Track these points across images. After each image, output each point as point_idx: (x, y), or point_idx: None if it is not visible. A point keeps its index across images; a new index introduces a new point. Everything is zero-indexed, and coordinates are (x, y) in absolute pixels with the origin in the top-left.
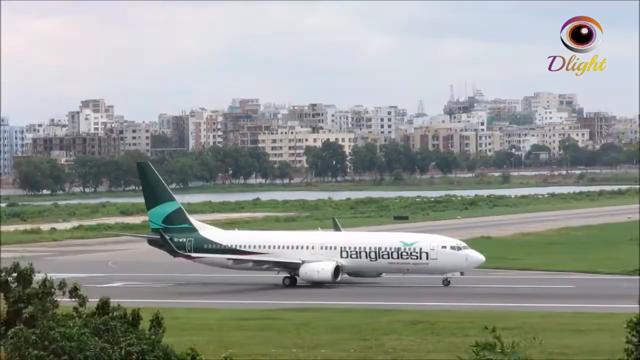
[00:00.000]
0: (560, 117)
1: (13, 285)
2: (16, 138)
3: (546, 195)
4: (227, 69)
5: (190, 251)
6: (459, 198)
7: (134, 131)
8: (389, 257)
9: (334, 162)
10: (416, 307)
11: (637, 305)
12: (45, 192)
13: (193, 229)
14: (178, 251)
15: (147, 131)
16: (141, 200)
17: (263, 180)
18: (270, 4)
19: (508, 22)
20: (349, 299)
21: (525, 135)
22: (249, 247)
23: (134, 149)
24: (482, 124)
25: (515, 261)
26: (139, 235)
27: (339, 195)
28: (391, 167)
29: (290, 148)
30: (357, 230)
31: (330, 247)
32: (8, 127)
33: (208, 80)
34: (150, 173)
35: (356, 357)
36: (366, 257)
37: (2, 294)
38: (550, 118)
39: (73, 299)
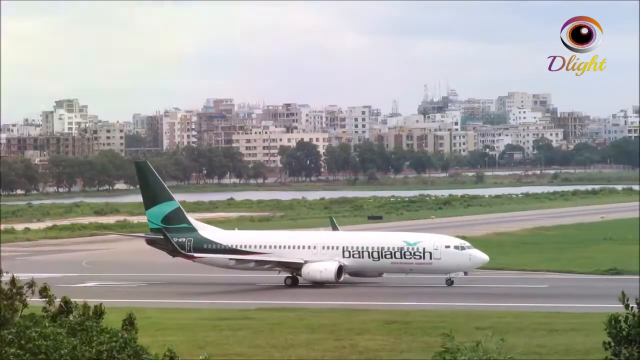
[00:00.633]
0: (534, 117)
1: None
2: None
3: (520, 195)
4: (201, 69)
5: (190, 251)
6: (433, 198)
7: (108, 131)
8: (392, 257)
9: (308, 162)
10: (391, 307)
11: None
12: (19, 192)
13: (192, 229)
14: (182, 251)
15: (121, 131)
16: (115, 199)
17: (237, 180)
18: (245, 4)
19: (482, 22)
20: (325, 299)
21: (499, 135)
22: (250, 247)
23: (108, 149)
24: (456, 123)
25: (490, 261)
26: (138, 235)
27: (313, 195)
28: (365, 167)
29: (264, 148)
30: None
31: (332, 247)
32: None
33: (182, 80)
34: (149, 173)
35: (330, 357)
36: (369, 257)
37: None
38: (524, 118)
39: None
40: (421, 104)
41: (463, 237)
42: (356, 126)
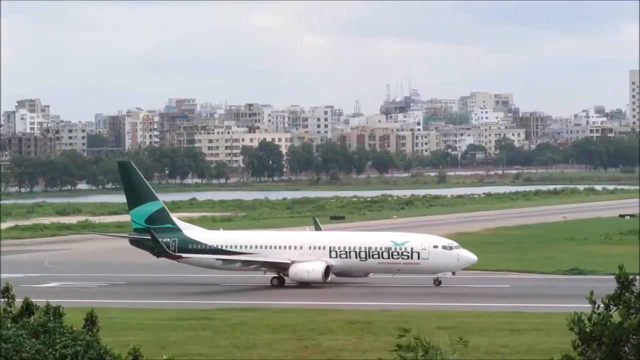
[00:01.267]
0: (496, 117)
1: None
2: None
3: (482, 195)
4: (163, 69)
5: (174, 251)
6: (396, 198)
7: (70, 131)
8: (379, 257)
9: (271, 162)
10: (353, 306)
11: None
12: None
13: (177, 229)
14: (169, 251)
15: (83, 131)
16: (77, 200)
17: (199, 180)
18: (206, 4)
19: (444, 23)
20: (287, 299)
21: (462, 135)
22: (236, 247)
23: (70, 149)
24: (419, 123)
25: None
26: (122, 235)
27: (276, 195)
28: (328, 167)
29: (226, 148)
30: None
31: (319, 247)
32: None
33: (145, 80)
34: (133, 173)
35: (292, 357)
36: (356, 257)
37: None
38: (486, 118)
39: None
40: (383, 104)
41: None
42: (318, 126)
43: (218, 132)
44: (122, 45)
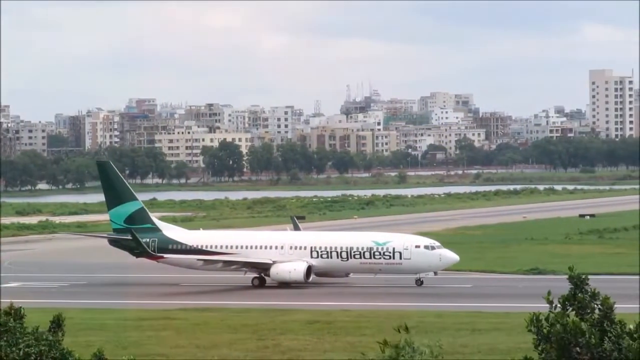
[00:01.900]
0: (457, 117)
1: None
2: None
3: (442, 195)
4: (123, 69)
5: (154, 251)
6: (356, 198)
7: (30, 131)
8: (361, 257)
9: (231, 162)
10: (313, 306)
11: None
12: None
13: (156, 229)
14: (150, 252)
15: (43, 131)
16: (37, 200)
17: (160, 180)
18: (165, 3)
19: (404, 23)
20: (248, 299)
21: (422, 135)
22: (217, 247)
23: (30, 149)
24: (379, 123)
25: None
26: (100, 236)
27: (236, 195)
28: (288, 167)
29: (187, 148)
30: (254, 230)
31: (300, 247)
32: None
33: (105, 80)
34: (112, 172)
35: (253, 357)
36: (337, 257)
37: None
38: (447, 118)
39: None
40: (344, 104)
41: None
42: (279, 126)
43: (178, 132)
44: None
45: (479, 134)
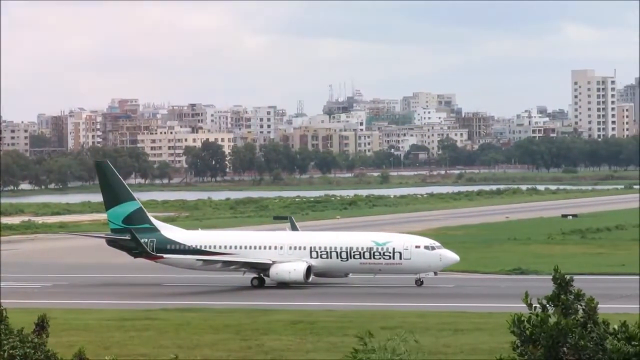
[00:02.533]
0: (439, 117)
1: None
2: None
3: (425, 195)
4: (106, 69)
5: (152, 252)
6: (339, 198)
7: (12, 131)
8: (360, 257)
9: (214, 162)
10: (296, 307)
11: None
12: None
13: (154, 229)
14: (150, 252)
15: (25, 131)
16: (19, 200)
17: (142, 181)
18: (148, 4)
19: (386, 23)
20: (230, 299)
21: (404, 135)
22: (216, 247)
23: (13, 149)
24: (361, 124)
25: None
26: (98, 236)
27: (219, 195)
28: (270, 167)
29: (169, 148)
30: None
31: (300, 247)
32: None
33: (87, 80)
34: (110, 172)
35: (236, 357)
36: (337, 258)
37: None
38: (429, 118)
39: None
40: (326, 104)
41: None
42: (261, 126)
43: (161, 132)
44: (64, 45)
45: (461, 134)
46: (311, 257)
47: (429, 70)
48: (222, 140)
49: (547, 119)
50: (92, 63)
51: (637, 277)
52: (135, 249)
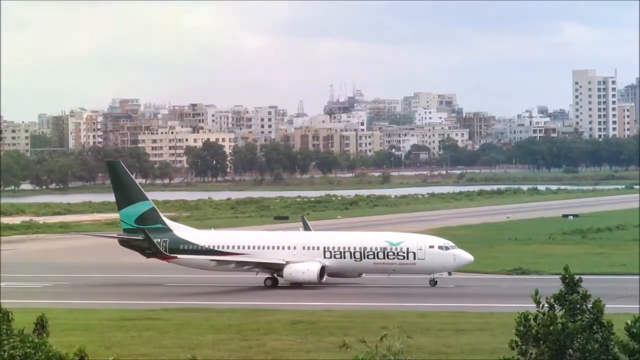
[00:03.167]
0: (440, 117)
1: None
2: None
3: (426, 195)
4: (107, 69)
5: (165, 252)
6: (340, 198)
7: (13, 131)
8: (374, 257)
9: (215, 162)
10: (296, 307)
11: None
12: None
13: (167, 229)
14: (163, 252)
15: (26, 131)
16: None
17: (143, 181)
18: (147, 4)
19: (387, 23)
20: (231, 299)
21: (405, 135)
22: (229, 247)
23: (14, 149)
24: (362, 124)
25: None
26: (111, 236)
27: (219, 196)
28: (271, 167)
29: (170, 148)
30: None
31: (313, 248)
32: None
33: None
34: (122, 172)
35: (237, 357)
36: (351, 258)
37: None
38: (430, 118)
39: None
40: (327, 104)
41: None
42: (262, 126)
43: (162, 132)
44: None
45: (462, 134)
46: (325, 257)
47: (430, 70)
48: (223, 140)
49: (548, 119)
50: (93, 63)
51: (638, 277)
52: (149, 249)
